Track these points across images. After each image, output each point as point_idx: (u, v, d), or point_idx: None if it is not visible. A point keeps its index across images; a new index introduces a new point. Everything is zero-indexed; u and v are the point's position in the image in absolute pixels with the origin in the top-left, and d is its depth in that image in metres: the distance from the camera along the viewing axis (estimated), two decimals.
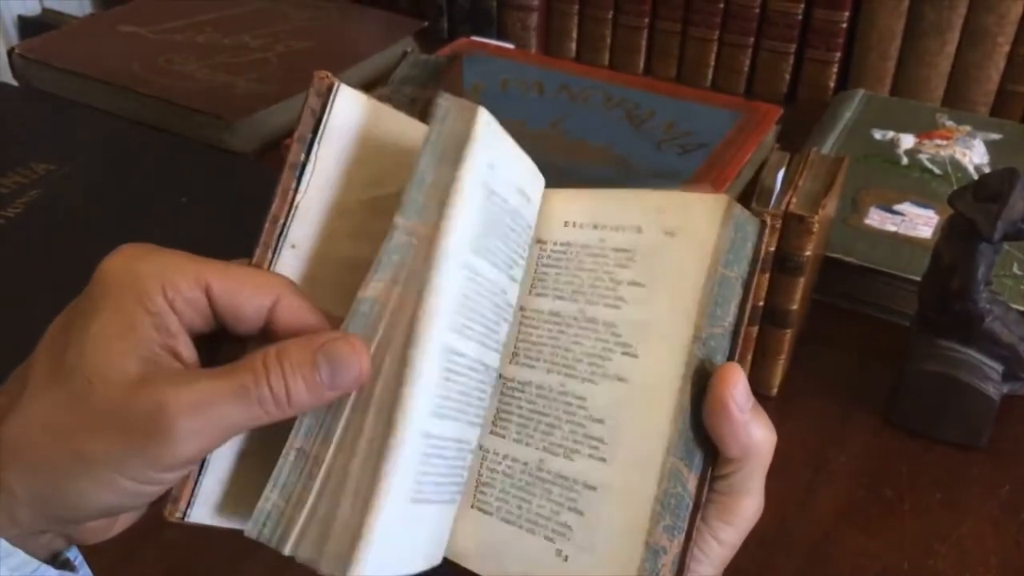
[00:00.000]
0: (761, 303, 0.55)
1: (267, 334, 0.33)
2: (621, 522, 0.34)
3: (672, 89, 0.88)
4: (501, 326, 0.38)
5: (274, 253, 0.35)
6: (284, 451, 0.33)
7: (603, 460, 0.35)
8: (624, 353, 0.36)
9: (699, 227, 0.36)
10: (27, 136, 0.79)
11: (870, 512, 0.52)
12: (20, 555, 0.30)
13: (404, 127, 0.38)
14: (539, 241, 0.40)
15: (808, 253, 0.52)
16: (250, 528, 0.33)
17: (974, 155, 0.76)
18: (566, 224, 0.39)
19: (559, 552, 0.35)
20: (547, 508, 0.36)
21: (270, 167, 0.34)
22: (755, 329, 0.56)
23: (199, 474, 0.33)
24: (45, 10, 1.08)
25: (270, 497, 0.33)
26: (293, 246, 0.35)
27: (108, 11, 1.01)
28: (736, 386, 0.33)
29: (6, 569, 0.30)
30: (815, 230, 0.51)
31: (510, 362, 0.38)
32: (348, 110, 0.36)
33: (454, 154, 0.35)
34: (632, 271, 0.37)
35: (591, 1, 0.95)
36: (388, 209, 0.35)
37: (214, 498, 0.34)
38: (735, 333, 0.35)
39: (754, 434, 0.34)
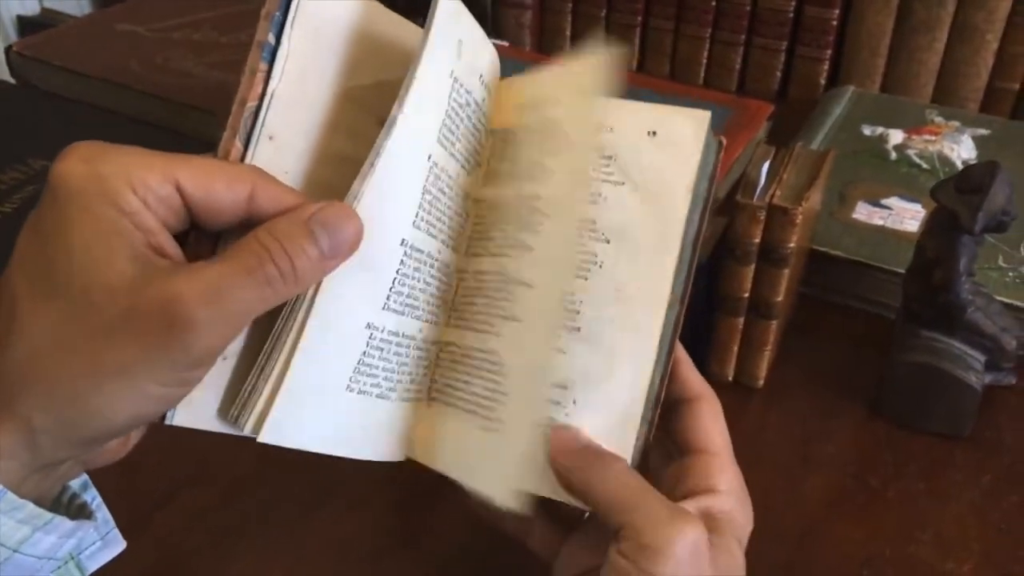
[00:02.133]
0: (746, 295, 0.56)
1: (247, 225, 0.31)
2: (619, 408, 0.38)
3: (665, 86, 0.89)
4: (459, 221, 0.40)
5: (247, 142, 0.33)
6: (269, 340, 0.33)
7: (593, 352, 0.38)
8: (608, 253, 0.39)
9: (683, 140, 0.39)
10: (25, 133, 0.80)
11: (856, 501, 0.53)
12: (29, 507, 0.29)
13: (379, 12, 0.37)
14: (494, 131, 0.41)
15: (792, 245, 0.53)
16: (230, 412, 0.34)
17: (962, 150, 0.77)
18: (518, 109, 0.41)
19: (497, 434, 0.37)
20: (535, 409, 0.38)
21: None
22: (740, 320, 0.57)
23: None
24: (44, 10, 1.09)
25: (250, 381, 0.33)
26: (271, 137, 0.34)
27: (106, 10, 1.01)
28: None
29: (14, 521, 0.28)
30: (798, 222, 0.52)
31: (467, 254, 0.40)
32: None
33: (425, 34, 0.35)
34: (616, 173, 0.39)
35: None
36: (366, 101, 0.36)
37: (196, 402, 0.33)
38: (695, 244, 0.39)
39: None
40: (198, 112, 0.81)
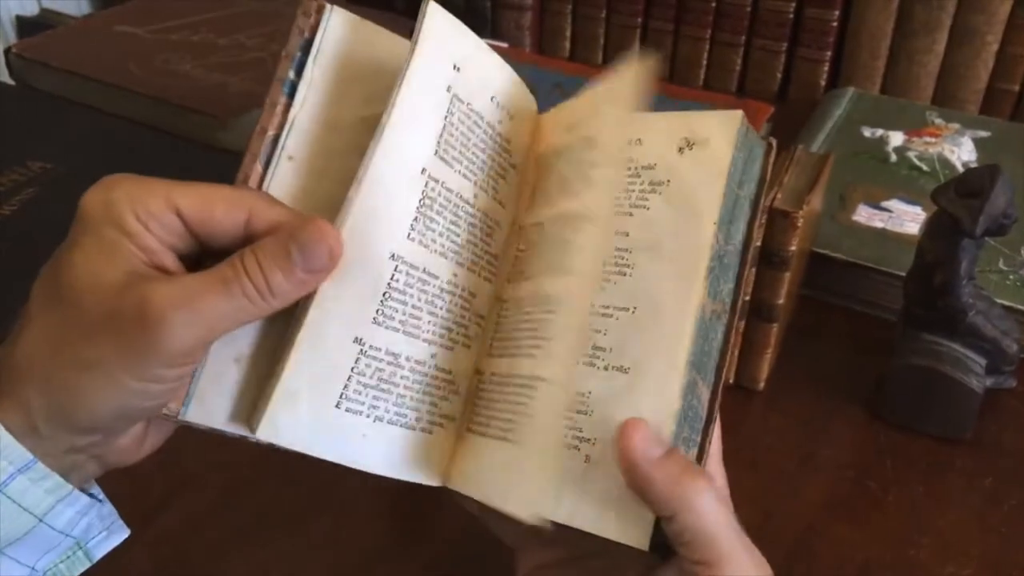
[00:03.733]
0: (748, 297, 0.56)
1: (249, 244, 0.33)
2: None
3: (665, 88, 0.89)
4: (482, 246, 0.39)
5: (267, 165, 0.36)
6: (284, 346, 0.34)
7: (622, 371, 0.36)
8: (638, 264, 0.37)
9: (714, 143, 0.37)
10: (23, 135, 0.80)
11: (854, 504, 0.53)
12: (55, 478, 0.32)
13: (397, 46, 0.38)
14: (537, 159, 0.41)
15: (793, 248, 0.53)
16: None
17: (962, 152, 0.77)
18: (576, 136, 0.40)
19: (584, 459, 0.35)
20: (559, 423, 0.36)
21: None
22: (742, 323, 0.57)
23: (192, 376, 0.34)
24: (43, 10, 1.09)
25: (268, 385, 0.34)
26: (291, 157, 0.36)
27: (104, 11, 1.02)
28: (635, 438, 0.33)
29: (42, 490, 0.32)
30: (799, 225, 0.52)
31: (508, 281, 0.39)
32: (341, 30, 0.37)
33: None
34: (647, 184, 0.38)
35: (584, 0, 0.95)
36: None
37: (209, 401, 0.35)
38: (744, 251, 0.37)
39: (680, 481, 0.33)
40: (196, 114, 0.81)
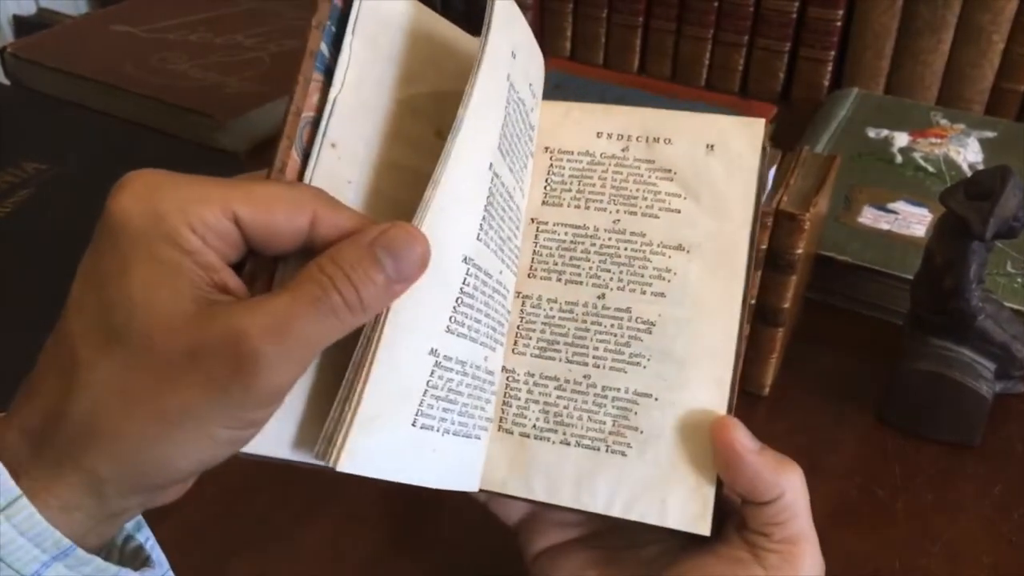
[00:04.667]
0: (753, 301, 0.55)
1: (307, 251, 0.30)
2: (701, 419, 0.37)
3: (667, 88, 0.88)
4: (515, 240, 0.38)
5: (305, 152, 0.32)
6: (351, 368, 0.31)
7: (670, 370, 0.38)
8: (678, 267, 0.38)
9: (743, 148, 0.39)
10: (18, 135, 0.79)
11: (862, 512, 0.52)
12: (96, 562, 0.28)
13: (434, 21, 0.36)
14: (548, 149, 0.41)
15: (799, 251, 0.52)
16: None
17: (968, 153, 0.76)
18: (599, 135, 0.41)
19: (638, 456, 0.37)
20: (602, 421, 0.38)
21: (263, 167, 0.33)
22: (747, 328, 0.56)
23: None
24: (41, 10, 1.08)
25: (335, 410, 0.31)
26: (333, 145, 0.33)
27: (101, 10, 1.01)
28: (735, 434, 0.36)
29: None
30: (806, 228, 0.51)
31: (528, 277, 0.39)
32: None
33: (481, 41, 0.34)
34: (674, 185, 0.39)
35: (585, 0, 0.94)
36: (424, 110, 0.35)
37: (269, 427, 0.30)
38: (751, 248, 0.38)
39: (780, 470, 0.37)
40: (193, 114, 0.80)
